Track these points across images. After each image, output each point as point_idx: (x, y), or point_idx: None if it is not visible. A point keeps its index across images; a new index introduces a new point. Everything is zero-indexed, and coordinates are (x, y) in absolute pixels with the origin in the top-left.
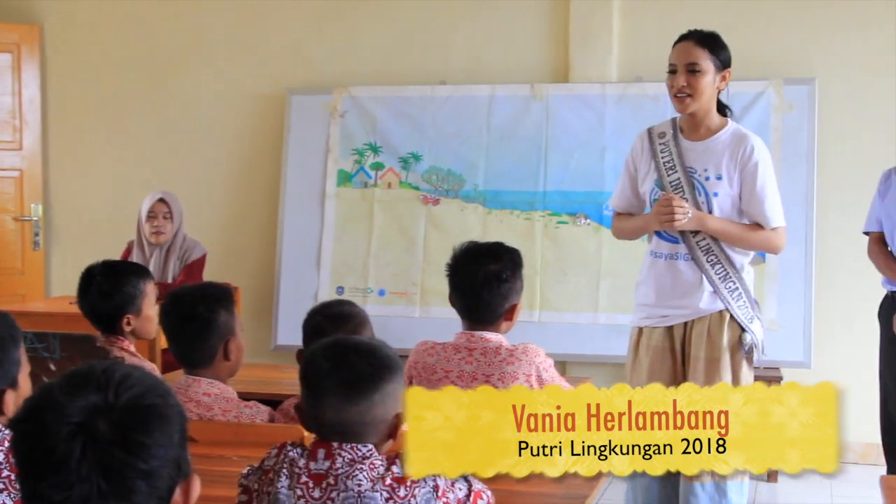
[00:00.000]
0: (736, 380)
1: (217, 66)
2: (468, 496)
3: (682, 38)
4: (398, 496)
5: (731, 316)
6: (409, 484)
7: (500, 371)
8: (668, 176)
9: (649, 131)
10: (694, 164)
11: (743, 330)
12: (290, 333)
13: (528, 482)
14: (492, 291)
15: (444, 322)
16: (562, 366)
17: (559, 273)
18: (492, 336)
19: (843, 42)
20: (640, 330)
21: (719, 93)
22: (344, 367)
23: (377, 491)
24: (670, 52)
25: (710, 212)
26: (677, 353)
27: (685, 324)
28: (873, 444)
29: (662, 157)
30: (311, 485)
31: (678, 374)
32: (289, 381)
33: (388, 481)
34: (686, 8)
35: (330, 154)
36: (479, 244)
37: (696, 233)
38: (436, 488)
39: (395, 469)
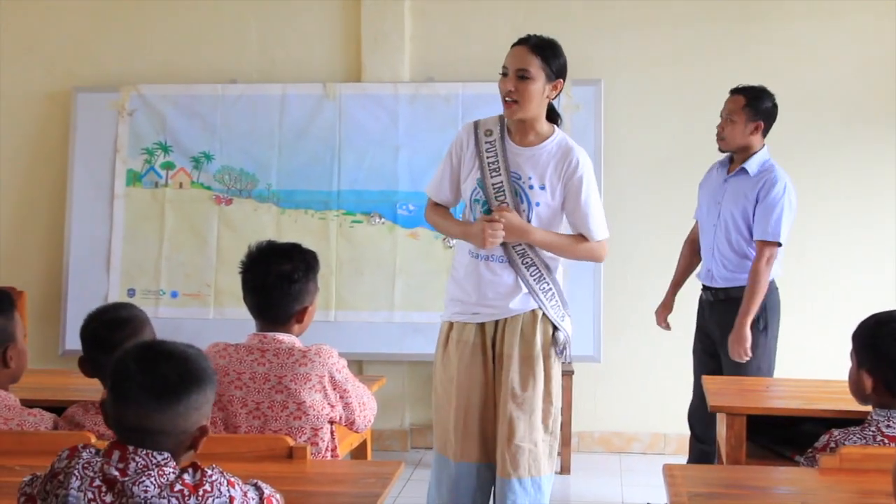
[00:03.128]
0: (548, 378)
1: None
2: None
3: (519, 42)
4: None
5: (544, 315)
6: (200, 493)
7: (293, 372)
8: (492, 178)
9: (476, 125)
10: (518, 170)
11: (555, 328)
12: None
13: (318, 482)
14: (283, 291)
15: (239, 323)
16: (358, 365)
17: (354, 272)
18: (284, 337)
19: (626, 44)
20: (451, 325)
21: (550, 101)
22: (151, 372)
23: (164, 498)
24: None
25: (529, 220)
26: (488, 350)
27: (496, 322)
28: (660, 434)
29: (488, 158)
30: (103, 489)
31: (489, 370)
32: (76, 386)
33: (178, 488)
34: (476, 11)
35: (118, 153)
36: (275, 244)
37: None
38: (231, 500)
39: (186, 477)
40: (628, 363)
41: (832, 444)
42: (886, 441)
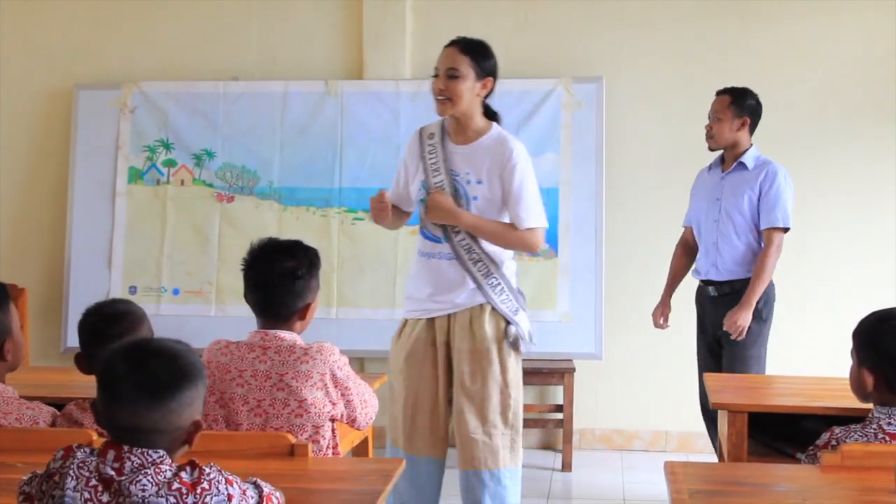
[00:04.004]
0: (504, 369)
1: (0, 61)
2: (259, 503)
3: (449, 44)
4: (186, 502)
5: (494, 309)
6: (198, 491)
7: (295, 370)
8: (433, 178)
9: (420, 131)
10: (457, 168)
11: (508, 322)
12: None
13: (320, 479)
14: (286, 288)
15: (241, 321)
16: (360, 362)
17: (356, 270)
18: (286, 335)
19: (628, 41)
20: (406, 321)
21: (485, 99)
22: (141, 371)
23: (162, 496)
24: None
25: None
26: (440, 345)
27: (448, 316)
28: (661, 432)
29: (430, 159)
30: (100, 489)
31: (440, 365)
32: (76, 383)
33: (176, 486)
34: (478, 8)
35: (120, 151)
36: (277, 241)
37: (457, 233)
38: (229, 498)
39: (183, 475)
40: (629, 360)
41: (833, 442)
42: (888, 438)
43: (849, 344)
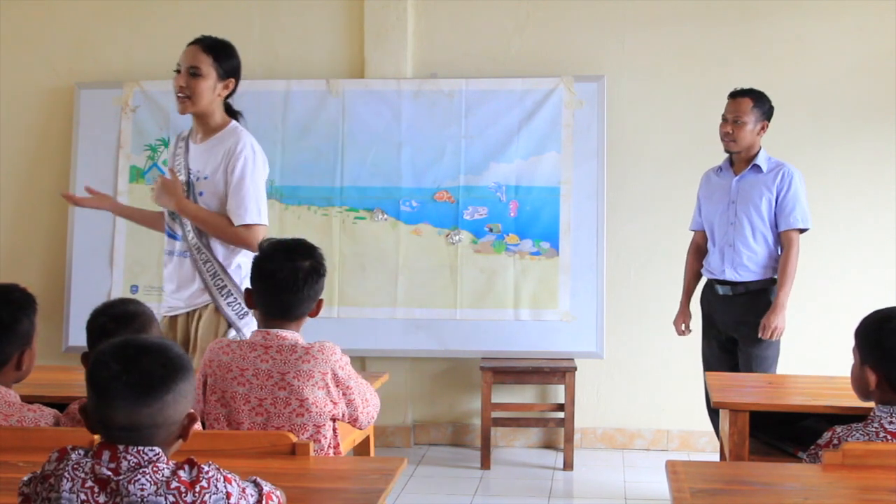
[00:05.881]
0: None
1: (1, 59)
2: (259, 502)
3: (193, 42)
4: (185, 501)
5: (217, 309)
6: (197, 489)
7: (296, 369)
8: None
9: (177, 136)
10: (194, 166)
11: (229, 325)
12: (83, 335)
13: (321, 478)
14: (311, 287)
15: None
16: (361, 361)
17: (357, 268)
18: (287, 334)
19: (629, 40)
20: (165, 318)
21: (227, 98)
22: (135, 368)
23: (161, 495)
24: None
25: None
26: (179, 343)
27: (187, 314)
28: (663, 431)
29: (175, 163)
30: (96, 489)
31: None
32: (78, 382)
33: (174, 485)
34: (479, 6)
35: (121, 150)
36: (285, 241)
37: (189, 231)
38: (228, 496)
39: (182, 473)
40: (631, 359)
41: (835, 441)
42: (889, 437)
43: (849, 343)
